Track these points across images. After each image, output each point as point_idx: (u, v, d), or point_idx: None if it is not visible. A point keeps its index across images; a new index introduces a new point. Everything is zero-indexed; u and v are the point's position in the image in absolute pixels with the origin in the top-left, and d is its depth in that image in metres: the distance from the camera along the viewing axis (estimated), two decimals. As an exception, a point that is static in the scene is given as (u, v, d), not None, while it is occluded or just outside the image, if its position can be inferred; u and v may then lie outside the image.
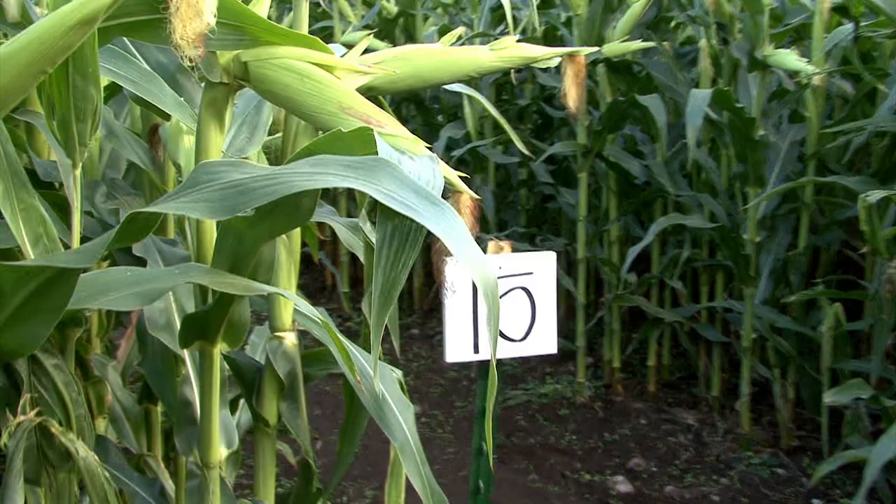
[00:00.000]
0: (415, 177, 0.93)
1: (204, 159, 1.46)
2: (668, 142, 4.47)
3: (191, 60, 1.10)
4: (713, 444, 4.29)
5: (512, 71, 1.73)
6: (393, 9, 5.78)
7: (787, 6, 4.36)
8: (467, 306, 1.57)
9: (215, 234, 1.39)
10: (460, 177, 1.23)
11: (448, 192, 1.22)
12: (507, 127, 2.17)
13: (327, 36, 5.89)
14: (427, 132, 5.89)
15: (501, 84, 5.55)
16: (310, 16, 6.57)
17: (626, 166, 4.43)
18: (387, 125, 1.27)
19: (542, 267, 1.63)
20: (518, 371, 5.29)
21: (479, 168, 5.37)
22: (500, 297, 1.59)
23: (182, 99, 1.65)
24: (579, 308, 4.73)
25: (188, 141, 1.67)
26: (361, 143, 1.04)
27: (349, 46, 1.62)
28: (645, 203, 4.68)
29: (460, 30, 1.68)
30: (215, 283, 1.28)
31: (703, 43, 4.24)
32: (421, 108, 5.70)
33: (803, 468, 4.04)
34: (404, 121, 6.03)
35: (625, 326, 5.12)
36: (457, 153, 4.80)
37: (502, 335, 1.64)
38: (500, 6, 5.48)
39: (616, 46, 4.24)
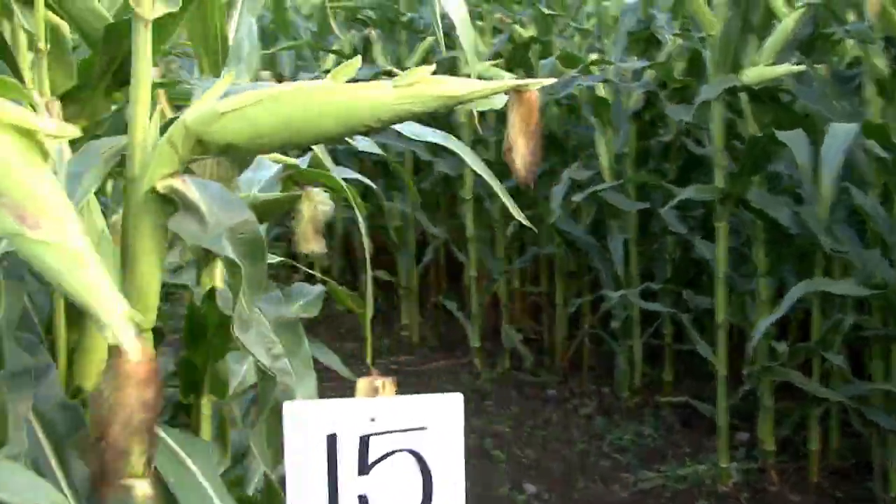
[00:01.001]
0: None
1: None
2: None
3: None
4: (885, 560, 3.46)
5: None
6: (526, 34, 5.26)
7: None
8: (319, 458, 1.03)
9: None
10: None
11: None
12: (495, 184, 1.62)
13: (452, 67, 5.43)
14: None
15: (647, 119, 4.90)
16: (445, 45, 6.17)
17: (772, 214, 3.68)
18: (44, 223, 0.76)
19: (441, 419, 1.05)
20: (658, 444, 4.59)
21: (613, 213, 4.73)
22: (374, 465, 1.04)
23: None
24: (720, 380, 4.00)
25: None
26: None
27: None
28: (801, 256, 3.90)
29: (355, 61, 1.15)
30: None
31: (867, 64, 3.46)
32: (554, 145, 5.12)
33: None
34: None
35: (783, 397, 4.31)
36: (577, 198, 4.19)
37: (375, 524, 1.09)
38: (643, 29, 4.85)
39: (757, 71, 3.53)
